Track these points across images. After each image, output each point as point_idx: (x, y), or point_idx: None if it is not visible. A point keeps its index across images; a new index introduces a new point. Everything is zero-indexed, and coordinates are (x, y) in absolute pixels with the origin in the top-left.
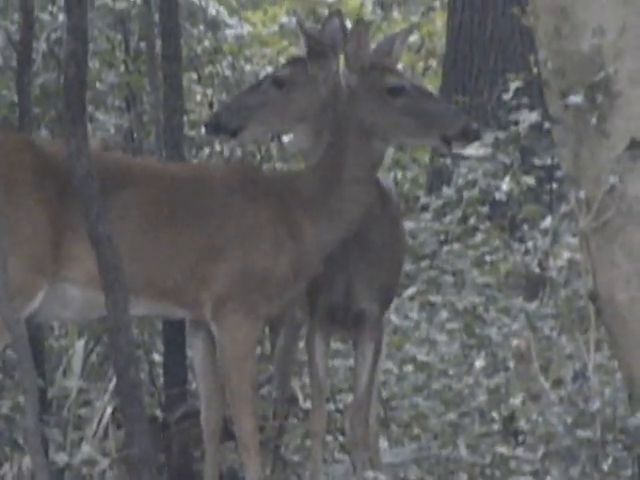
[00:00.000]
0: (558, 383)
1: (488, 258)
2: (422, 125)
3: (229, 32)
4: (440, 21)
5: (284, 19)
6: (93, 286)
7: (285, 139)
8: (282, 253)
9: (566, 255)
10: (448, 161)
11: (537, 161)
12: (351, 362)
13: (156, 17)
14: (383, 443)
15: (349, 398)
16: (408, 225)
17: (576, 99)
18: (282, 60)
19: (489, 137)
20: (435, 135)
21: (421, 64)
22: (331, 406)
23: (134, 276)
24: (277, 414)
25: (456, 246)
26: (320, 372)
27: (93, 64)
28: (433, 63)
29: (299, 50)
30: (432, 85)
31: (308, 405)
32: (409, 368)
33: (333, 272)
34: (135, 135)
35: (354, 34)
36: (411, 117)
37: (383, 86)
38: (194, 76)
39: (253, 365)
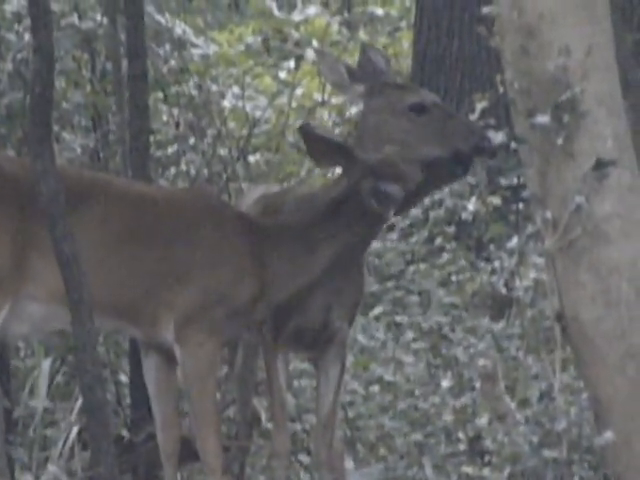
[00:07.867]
0: (524, 403)
1: (454, 278)
2: (440, 140)
3: (195, 52)
4: (406, 41)
5: (250, 39)
6: (54, 301)
7: (251, 159)
8: (245, 281)
9: (532, 275)
10: None
11: (503, 181)
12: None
13: (122, 37)
14: (349, 463)
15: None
16: (374, 245)
17: (542, 119)
18: (248, 80)
19: None
20: (448, 149)
21: None
22: (297, 426)
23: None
24: (240, 435)
25: (422, 266)
26: (282, 392)
27: (59, 84)
28: None
29: (270, 71)
30: None
31: (271, 425)
32: (375, 388)
33: (308, 293)
34: (101, 155)
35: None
36: (432, 133)
37: (405, 104)
38: (160, 96)
39: (214, 385)
